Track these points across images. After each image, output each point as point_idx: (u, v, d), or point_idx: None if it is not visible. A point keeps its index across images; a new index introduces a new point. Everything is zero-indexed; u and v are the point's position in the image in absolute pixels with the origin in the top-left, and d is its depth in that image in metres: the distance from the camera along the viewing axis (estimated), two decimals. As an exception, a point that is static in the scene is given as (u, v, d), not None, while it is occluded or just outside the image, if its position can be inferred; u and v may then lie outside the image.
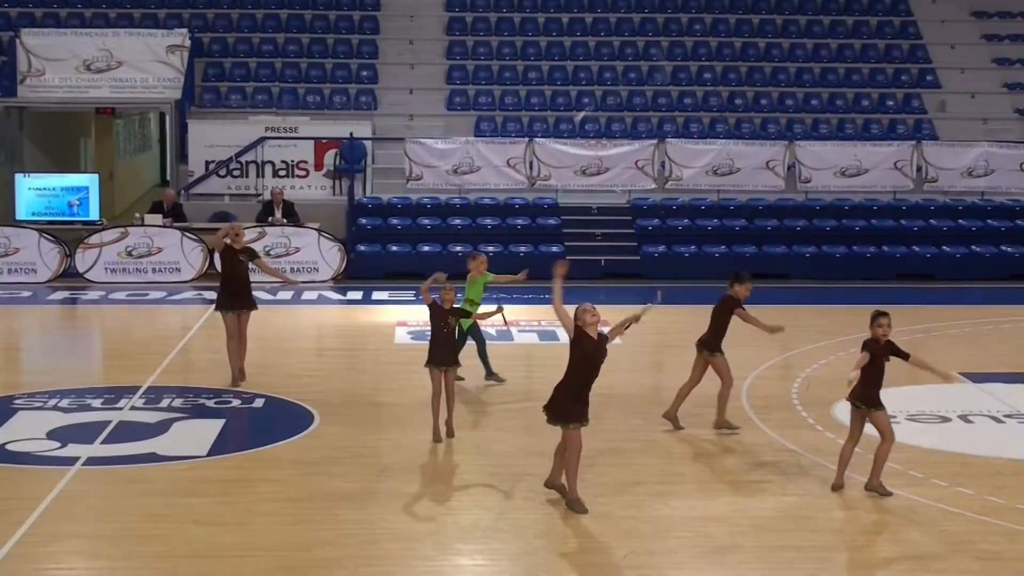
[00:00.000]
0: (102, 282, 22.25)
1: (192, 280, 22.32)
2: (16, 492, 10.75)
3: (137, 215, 23.85)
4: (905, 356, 10.87)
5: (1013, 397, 14.47)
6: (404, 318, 19.05)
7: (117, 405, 13.68)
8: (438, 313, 12.46)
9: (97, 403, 13.78)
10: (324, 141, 24.89)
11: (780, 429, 13.02)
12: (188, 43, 26.03)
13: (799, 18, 29.69)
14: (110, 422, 12.95)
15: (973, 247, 24.12)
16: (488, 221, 24.02)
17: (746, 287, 12.86)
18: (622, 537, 9.86)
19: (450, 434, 12.51)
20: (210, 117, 25.83)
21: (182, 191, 24.64)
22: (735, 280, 12.90)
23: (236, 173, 24.81)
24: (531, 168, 24.60)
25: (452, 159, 24.48)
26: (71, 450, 11.94)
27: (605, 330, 10.50)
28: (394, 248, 23.47)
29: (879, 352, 10.75)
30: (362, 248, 23.36)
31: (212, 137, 24.90)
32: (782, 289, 22.37)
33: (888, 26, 29.67)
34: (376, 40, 28.61)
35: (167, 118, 28.56)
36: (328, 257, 22.87)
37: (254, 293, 15.01)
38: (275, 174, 24.79)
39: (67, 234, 23.22)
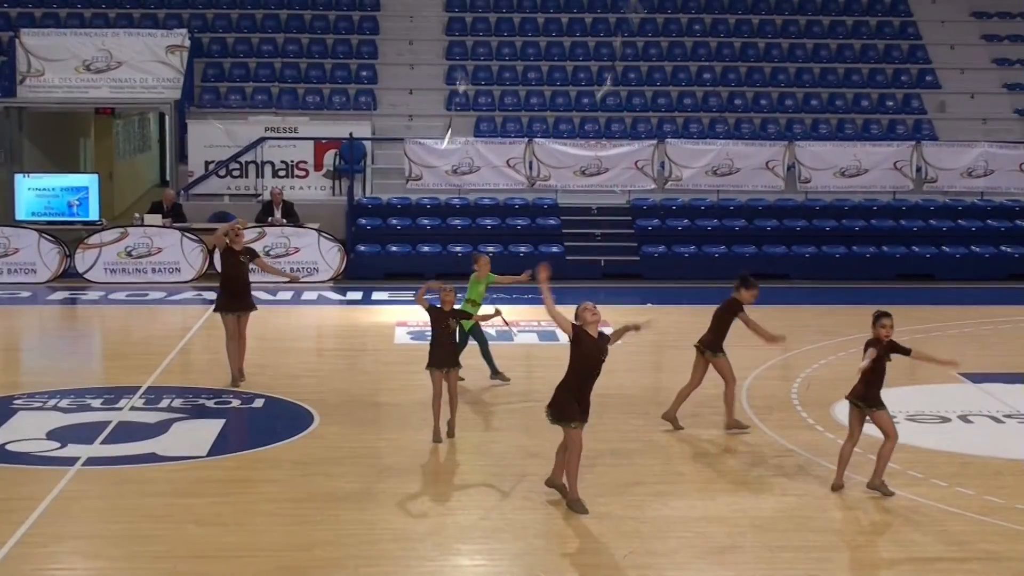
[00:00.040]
0: (102, 282, 22.25)
1: (192, 280, 22.32)
2: (16, 492, 10.74)
3: (137, 215, 23.84)
4: (907, 351, 10.87)
5: (1013, 397, 14.47)
6: (404, 318, 19.05)
7: (117, 405, 13.68)
8: (438, 315, 12.46)
9: (97, 403, 13.77)
10: (324, 141, 24.90)
11: (780, 429, 13.02)
12: (188, 43, 26.04)
13: (799, 18, 29.70)
14: (110, 422, 12.94)
15: (973, 247, 24.13)
16: (488, 221, 24.02)
17: (752, 293, 12.84)
18: (622, 537, 9.85)
19: (450, 434, 12.51)
20: (210, 117, 25.82)
21: (182, 191, 24.64)
22: (743, 284, 12.86)
23: (236, 173, 24.81)
24: (531, 168, 24.60)
25: (452, 159, 24.48)
26: (71, 450, 11.94)
27: (607, 330, 10.49)
28: (394, 248, 23.47)
29: (882, 352, 10.75)
30: (362, 248, 23.36)
31: (212, 137, 24.91)
32: (782, 289, 22.36)
33: (888, 26, 29.68)
34: (376, 40, 28.61)
35: (167, 118, 28.57)
36: (328, 257, 22.87)
37: (254, 293, 15.02)
38: (275, 174, 24.79)
39: (67, 234, 23.22)
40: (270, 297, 20.54)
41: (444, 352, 12.45)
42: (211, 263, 21.95)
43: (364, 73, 27.84)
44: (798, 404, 14.08)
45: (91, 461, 11.62)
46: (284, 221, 23.01)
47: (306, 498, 10.70)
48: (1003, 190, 25.36)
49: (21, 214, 23.77)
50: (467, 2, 29.57)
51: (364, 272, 23.00)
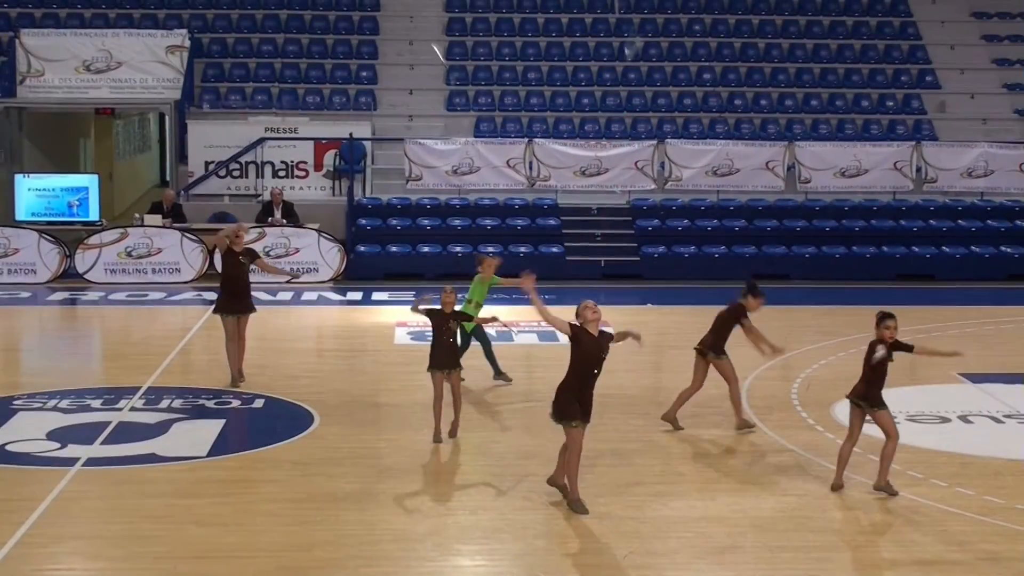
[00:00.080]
0: (102, 283, 22.25)
1: (192, 281, 22.32)
2: (16, 493, 10.74)
3: (137, 216, 23.84)
4: (909, 348, 10.87)
5: (1013, 397, 14.47)
6: (404, 319, 19.03)
7: (117, 406, 13.68)
8: (439, 317, 12.45)
9: (97, 404, 13.77)
10: (324, 142, 24.90)
11: (780, 429, 13.02)
12: (188, 44, 26.03)
13: (799, 19, 29.70)
14: (110, 423, 12.94)
15: (973, 247, 24.13)
16: (488, 222, 24.02)
17: (759, 301, 12.83)
18: (622, 537, 9.86)
19: (452, 434, 12.51)
20: (209, 118, 25.83)
21: (182, 192, 24.65)
22: (751, 291, 12.83)
23: (236, 174, 24.82)
24: (531, 169, 24.60)
25: (452, 160, 24.48)
26: (71, 451, 11.94)
27: (609, 329, 10.49)
28: (394, 249, 23.47)
29: (879, 358, 10.74)
30: (362, 249, 23.36)
31: (212, 137, 24.91)
32: (782, 289, 22.34)
33: (888, 27, 29.68)
34: (376, 41, 28.61)
35: (167, 119, 28.57)
36: (328, 258, 22.87)
37: (253, 294, 15.01)
38: (275, 175, 24.80)
39: (67, 235, 23.22)
40: (270, 297, 20.54)
41: (445, 353, 12.44)
42: (211, 263, 21.95)
43: (364, 73, 27.85)
44: (798, 404, 14.09)
45: (91, 461, 11.62)
46: (284, 221, 23.01)
47: (306, 498, 10.70)
48: (1003, 190, 25.36)
49: (21, 214, 23.77)
50: (467, 2, 29.57)
51: (364, 272, 23.00)
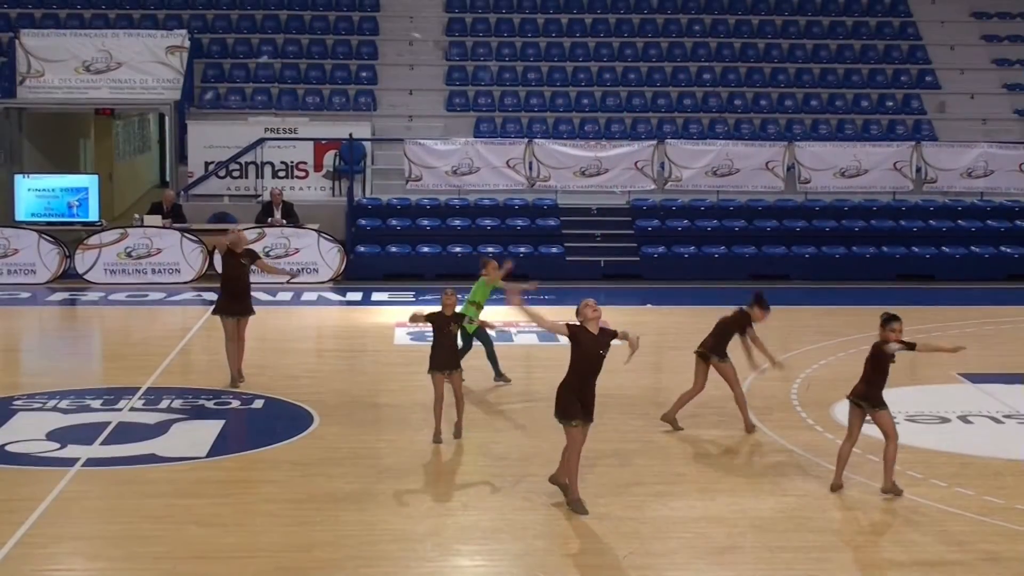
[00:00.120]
0: (101, 283, 22.25)
1: (191, 281, 22.32)
2: (15, 493, 10.74)
3: (136, 216, 23.84)
4: (912, 346, 10.88)
5: (1012, 397, 14.47)
6: (403, 319, 19.01)
7: (117, 406, 13.68)
8: (440, 320, 12.45)
9: (97, 404, 13.77)
10: (323, 142, 24.90)
11: (780, 430, 13.02)
12: (187, 44, 26.03)
13: (798, 19, 29.70)
14: (109, 423, 12.95)
15: (972, 248, 24.13)
16: (488, 222, 24.02)
17: (765, 314, 12.82)
18: (622, 538, 9.86)
19: (456, 435, 12.52)
20: (209, 118, 25.84)
21: (181, 192, 24.65)
22: (758, 302, 12.80)
23: (235, 174, 24.82)
24: (530, 169, 24.60)
25: (451, 160, 24.48)
26: (71, 451, 11.94)
27: (616, 329, 10.50)
28: (393, 249, 23.47)
29: (886, 357, 10.75)
30: (361, 249, 23.36)
31: (211, 138, 24.91)
32: (782, 290, 22.36)
33: (887, 27, 29.68)
34: (375, 41, 28.61)
35: (166, 119, 28.58)
36: (327, 258, 22.86)
37: (253, 294, 15.01)
38: (274, 175, 24.80)
39: (66, 235, 23.22)
40: (270, 298, 20.54)
41: (445, 354, 12.44)
42: (211, 264, 21.95)
43: (364, 74, 27.85)
44: (798, 404, 14.09)
45: (91, 462, 11.63)
46: (284, 222, 23.01)
47: (306, 499, 10.70)
48: (1003, 190, 25.37)
49: (21, 215, 23.77)
50: (467, 3, 29.58)
51: (364, 273, 23.00)
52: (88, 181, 24.51)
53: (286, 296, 21.21)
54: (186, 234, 22.58)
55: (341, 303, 21.26)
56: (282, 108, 26.48)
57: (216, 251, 19.71)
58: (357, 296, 21.54)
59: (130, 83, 25.91)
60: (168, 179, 30.19)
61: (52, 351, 17.80)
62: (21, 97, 25.78)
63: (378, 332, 18.37)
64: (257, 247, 20.75)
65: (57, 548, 9.57)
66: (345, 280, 22.76)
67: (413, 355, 15.38)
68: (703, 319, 13.22)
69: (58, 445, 12.15)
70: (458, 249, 23.38)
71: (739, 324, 12.81)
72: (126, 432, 12.64)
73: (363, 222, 23.83)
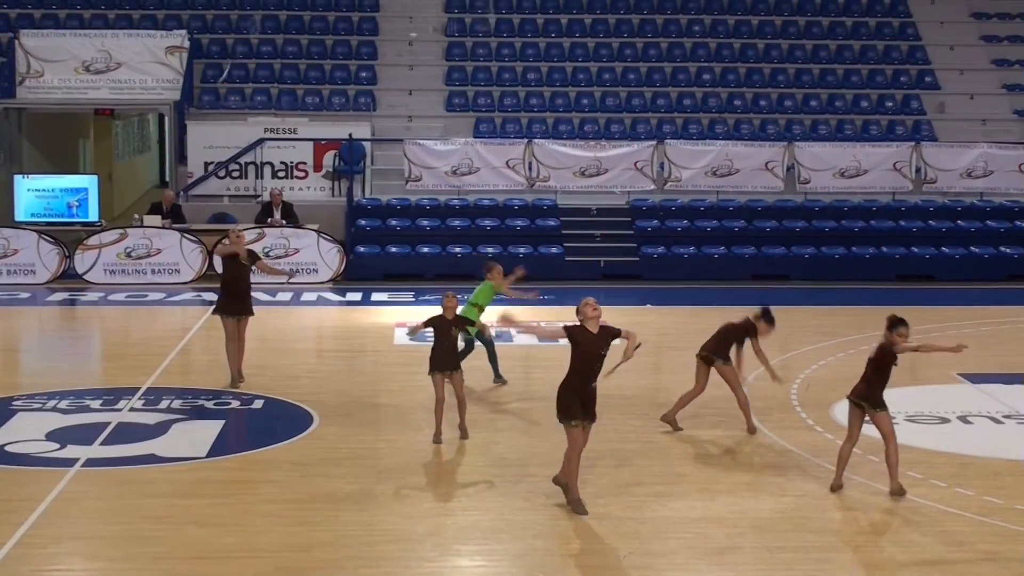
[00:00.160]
0: (101, 283, 22.25)
1: (191, 281, 22.31)
2: (15, 493, 10.74)
3: (136, 216, 23.84)
4: (915, 348, 10.91)
5: (1012, 398, 14.47)
6: (403, 319, 19.04)
7: (116, 406, 13.68)
8: (441, 323, 12.44)
9: (96, 404, 13.77)
10: (323, 142, 24.90)
11: (779, 430, 13.02)
12: (187, 44, 26.04)
13: (798, 19, 29.70)
14: (109, 423, 12.95)
15: (972, 248, 24.13)
16: (487, 222, 24.02)
17: (771, 330, 12.81)
18: (622, 538, 9.86)
19: (463, 436, 12.52)
20: (209, 118, 25.83)
21: (181, 192, 24.65)
22: (765, 317, 12.77)
23: (235, 174, 24.82)
24: (530, 169, 24.60)
25: (451, 160, 24.48)
26: (70, 451, 11.94)
27: (619, 328, 10.50)
28: (393, 249, 23.47)
29: (890, 359, 10.76)
30: (361, 249, 23.36)
31: (211, 138, 24.91)
32: (781, 290, 22.39)
33: (887, 27, 29.69)
34: (375, 41, 28.61)
35: (166, 119, 28.58)
36: (327, 258, 22.86)
37: (252, 295, 15.00)
38: (274, 175, 24.80)
39: (66, 235, 23.21)
40: (269, 298, 20.54)
41: (445, 356, 12.44)
42: (210, 264, 21.95)
43: (363, 74, 27.85)
44: (797, 405, 14.09)
45: (90, 462, 11.63)
46: (283, 222, 23.01)
47: (305, 499, 10.70)
48: (1002, 191, 25.37)
49: (20, 215, 23.76)
50: (466, 3, 29.58)
51: (363, 273, 22.99)
52: (88, 181, 24.50)
53: (286, 296, 21.22)
54: (186, 234, 22.57)
55: (341, 303, 21.26)
56: (282, 108, 26.48)
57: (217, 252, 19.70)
58: (357, 296, 21.54)
59: (130, 83, 25.91)
60: (168, 179, 30.20)
61: (52, 351, 17.80)
62: (21, 97, 25.78)
63: (378, 332, 18.38)
64: (257, 247, 20.78)
65: (57, 548, 9.57)
66: (345, 280, 22.76)
67: (413, 355, 15.37)
68: (703, 319, 13.24)
69: (58, 445, 12.15)
70: (458, 249, 23.39)
71: (743, 333, 12.79)
72: (126, 432, 12.64)
73: (363, 222, 23.83)
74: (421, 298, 20.85)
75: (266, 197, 23.81)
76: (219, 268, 15.34)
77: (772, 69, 28.43)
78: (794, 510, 10.58)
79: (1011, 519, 10.38)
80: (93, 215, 23.86)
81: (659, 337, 17.79)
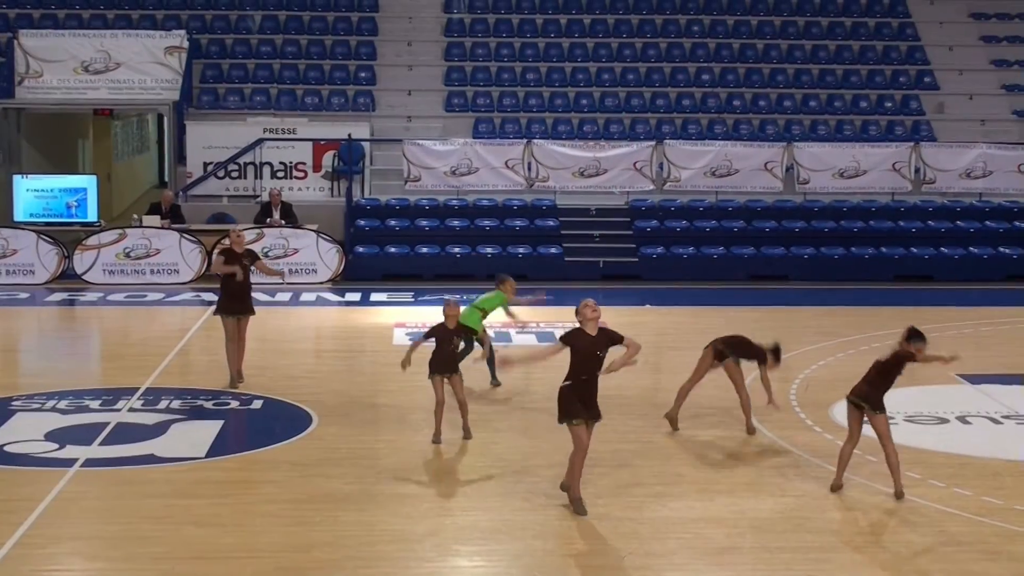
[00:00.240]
0: (100, 283, 22.24)
1: (190, 282, 22.31)
2: (14, 494, 10.74)
3: (135, 216, 23.83)
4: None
5: (1011, 398, 14.47)
6: (402, 319, 19.05)
7: (115, 407, 13.67)
8: (444, 333, 12.43)
9: (95, 404, 13.77)
10: (322, 142, 24.90)
11: (778, 430, 13.02)
12: (186, 44, 26.03)
13: (797, 19, 29.71)
14: (108, 423, 12.94)
15: (971, 248, 24.13)
16: (486, 222, 24.02)
17: (776, 366, 12.79)
18: (621, 538, 9.86)
19: (467, 436, 12.53)
20: (208, 118, 25.83)
21: (180, 192, 24.64)
22: (775, 355, 12.78)
23: (234, 174, 24.81)
24: (529, 169, 24.60)
25: (450, 161, 24.48)
26: (69, 451, 11.94)
27: (622, 335, 10.49)
28: (392, 250, 23.47)
29: (898, 367, 10.80)
30: (360, 249, 23.36)
31: (210, 138, 24.91)
32: (781, 290, 22.39)
33: (886, 27, 29.69)
34: (374, 41, 28.61)
35: (165, 119, 28.56)
36: (326, 258, 22.86)
37: (252, 295, 15.00)
38: (273, 175, 24.79)
39: (65, 235, 23.20)
40: (268, 298, 20.53)
41: (445, 359, 12.43)
42: (210, 264, 21.93)
43: (363, 74, 27.85)
44: (797, 405, 14.09)
45: (90, 462, 11.63)
46: (283, 222, 23.00)
47: (305, 499, 10.70)
48: (1001, 191, 25.37)
49: (19, 215, 23.75)
50: (466, 3, 29.58)
51: (362, 273, 22.99)
52: (87, 181, 24.50)
53: (285, 297, 21.21)
54: (185, 235, 22.57)
55: (340, 304, 21.26)
56: (281, 109, 26.48)
57: (216, 251, 19.69)
58: (356, 297, 21.54)
59: (129, 83, 25.90)
60: (167, 179, 30.19)
61: (51, 351, 17.80)
62: (20, 97, 25.77)
63: (377, 333, 18.37)
64: (256, 248, 20.77)
65: (56, 548, 9.57)
66: (344, 281, 22.75)
67: (412, 356, 15.34)
68: (702, 319, 13.25)
69: (57, 445, 12.15)
70: (457, 250, 23.39)
71: (755, 356, 12.77)
72: (125, 432, 12.64)
73: (362, 223, 23.83)
74: (420, 298, 20.85)
75: (265, 197, 23.81)
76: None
77: (771, 69, 28.44)
78: (793, 510, 10.58)
79: (1010, 519, 10.38)
80: (92, 215, 23.86)
81: (658, 337, 17.78)
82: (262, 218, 23.15)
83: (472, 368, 14.34)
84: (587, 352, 10.28)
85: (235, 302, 14.61)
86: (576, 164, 24.59)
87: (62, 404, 13.75)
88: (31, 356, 17.79)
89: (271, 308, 19.77)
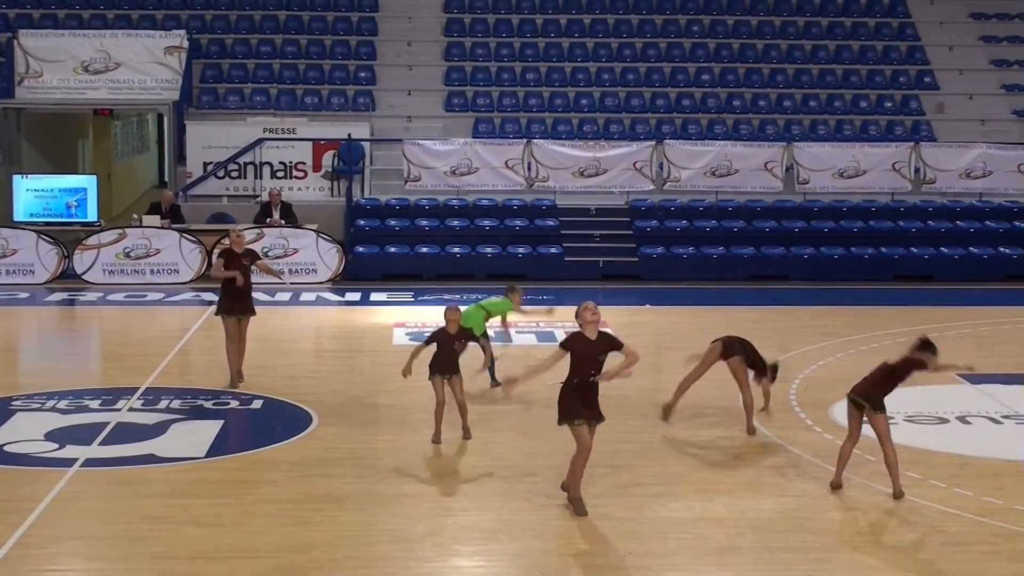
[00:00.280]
0: (100, 283, 22.24)
1: (190, 281, 22.31)
2: (14, 493, 10.74)
3: (135, 216, 23.84)
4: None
5: (1011, 398, 14.47)
6: (402, 319, 19.05)
7: (115, 406, 13.67)
8: (445, 339, 12.43)
9: (95, 404, 13.77)
10: (322, 142, 24.90)
11: (778, 430, 13.02)
12: (186, 44, 26.03)
13: (797, 19, 29.71)
14: (108, 423, 12.94)
15: (971, 248, 24.14)
16: (486, 222, 24.02)
17: (770, 384, 12.83)
18: (621, 538, 9.86)
19: (467, 436, 12.53)
20: (208, 118, 25.83)
21: (180, 192, 24.65)
22: (772, 371, 12.83)
23: (234, 174, 24.82)
24: (529, 169, 24.60)
25: (450, 160, 24.48)
26: (69, 451, 11.93)
27: (622, 342, 10.49)
28: (392, 249, 23.47)
29: (906, 373, 10.82)
30: (360, 249, 23.36)
31: (210, 138, 24.91)
32: (780, 290, 22.39)
33: (886, 27, 29.70)
34: (374, 41, 28.62)
35: (165, 119, 28.56)
36: (326, 258, 22.86)
37: (252, 295, 15.00)
38: (273, 175, 24.80)
39: (65, 235, 23.20)
40: (268, 298, 20.53)
41: (446, 360, 12.43)
42: (210, 264, 21.92)
43: (362, 74, 27.85)
44: (796, 405, 14.08)
45: (89, 462, 11.62)
46: (282, 222, 23.01)
47: (304, 499, 10.70)
48: (1001, 191, 25.38)
49: (19, 215, 23.76)
50: (466, 3, 29.58)
51: (362, 273, 22.99)
52: (86, 181, 24.50)
53: (285, 297, 21.21)
54: (185, 235, 22.57)
55: (340, 303, 21.26)
56: (281, 108, 26.48)
57: (216, 251, 19.69)
58: (356, 296, 21.53)
59: (128, 83, 25.90)
60: (167, 179, 30.18)
61: (51, 351, 17.79)
62: (19, 97, 25.77)
63: (377, 332, 18.37)
64: (256, 247, 20.76)
65: (56, 548, 9.56)
66: (344, 281, 22.76)
67: (413, 364, 15.33)
68: (702, 319, 13.25)
69: (56, 445, 12.14)
70: (457, 250, 23.39)
71: (757, 364, 12.78)
72: (125, 432, 12.64)
73: (362, 222, 23.83)
74: (420, 298, 20.86)
75: (265, 197, 23.81)
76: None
77: (771, 69, 28.44)
78: (793, 510, 10.58)
79: (1010, 519, 10.38)
80: (92, 215, 23.86)
81: (658, 337, 17.78)
82: (262, 218, 23.15)
83: (473, 369, 14.34)
84: (586, 356, 10.28)
85: (236, 303, 14.60)
86: (576, 164, 24.59)
87: (62, 404, 13.75)
88: (31, 356, 17.79)
89: (271, 308, 19.77)
